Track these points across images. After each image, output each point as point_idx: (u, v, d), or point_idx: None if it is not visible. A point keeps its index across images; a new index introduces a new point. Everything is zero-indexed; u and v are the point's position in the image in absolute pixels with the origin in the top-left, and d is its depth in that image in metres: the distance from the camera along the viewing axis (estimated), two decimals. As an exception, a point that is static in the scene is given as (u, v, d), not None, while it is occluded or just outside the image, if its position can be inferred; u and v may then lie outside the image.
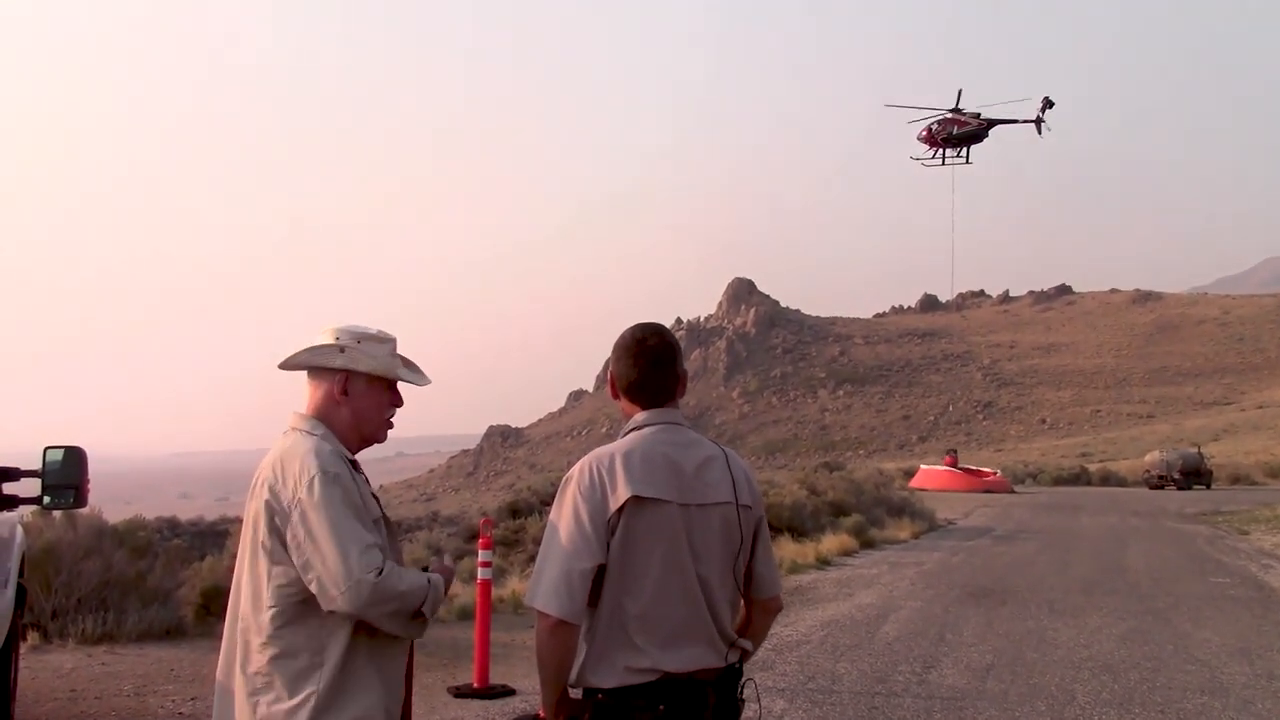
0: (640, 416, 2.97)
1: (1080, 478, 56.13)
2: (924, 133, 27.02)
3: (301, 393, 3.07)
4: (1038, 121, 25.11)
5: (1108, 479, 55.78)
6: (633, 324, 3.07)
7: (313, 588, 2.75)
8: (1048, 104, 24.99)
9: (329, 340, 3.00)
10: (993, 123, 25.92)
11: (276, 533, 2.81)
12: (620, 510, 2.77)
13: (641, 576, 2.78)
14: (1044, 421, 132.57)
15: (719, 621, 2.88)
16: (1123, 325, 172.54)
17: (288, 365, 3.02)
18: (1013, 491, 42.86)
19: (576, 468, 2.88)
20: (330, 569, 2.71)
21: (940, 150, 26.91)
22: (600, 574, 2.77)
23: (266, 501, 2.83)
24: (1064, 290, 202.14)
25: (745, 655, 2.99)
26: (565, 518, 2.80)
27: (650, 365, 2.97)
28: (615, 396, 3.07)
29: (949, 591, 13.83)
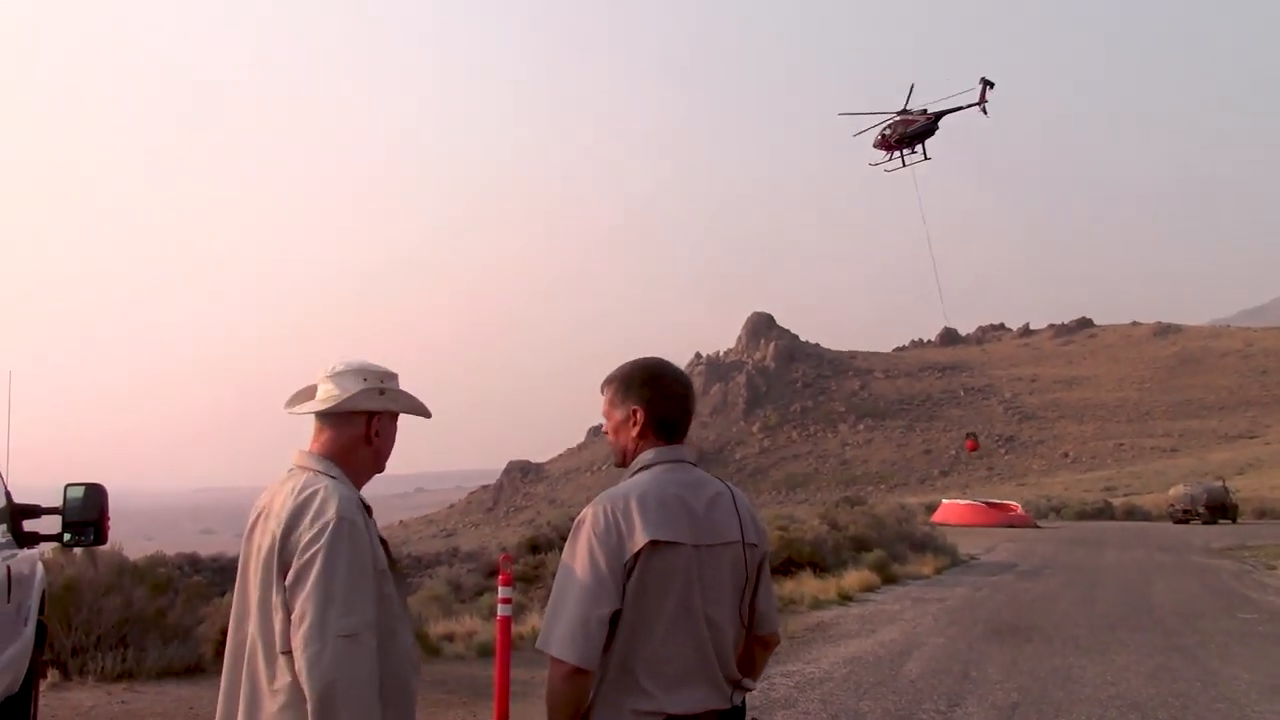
0: (648, 454, 2.92)
1: (1104, 512, 55.71)
2: (878, 139, 27.28)
3: (307, 431, 3.02)
4: (981, 104, 25.24)
5: (1132, 513, 55.36)
6: (638, 358, 3.03)
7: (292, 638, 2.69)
8: (987, 84, 25.07)
9: (352, 380, 2.96)
10: (940, 115, 26.15)
11: (284, 574, 2.75)
12: (637, 554, 2.73)
13: (654, 620, 2.75)
14: (1066, 455, 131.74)
15: (724, 662, 2.85)
16: (1145, 358, 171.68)
17: (339, 408, 2.94)
18: (1036, 526, 42.56)
19: (589, 511, 2.83)
20: (306, 621, 2.65)
21: (899, 153, 27.10)
22: (614, 618, 2.74)
23: (280, 540, 2.77)
24: (1085, 323, 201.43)
25: (745, 694, 2.95)
26: (580, 562, 2.75)
27: (675, 400, 2.95)
28: (625, 429, 2.96)
29: (973, 628, 13.69)
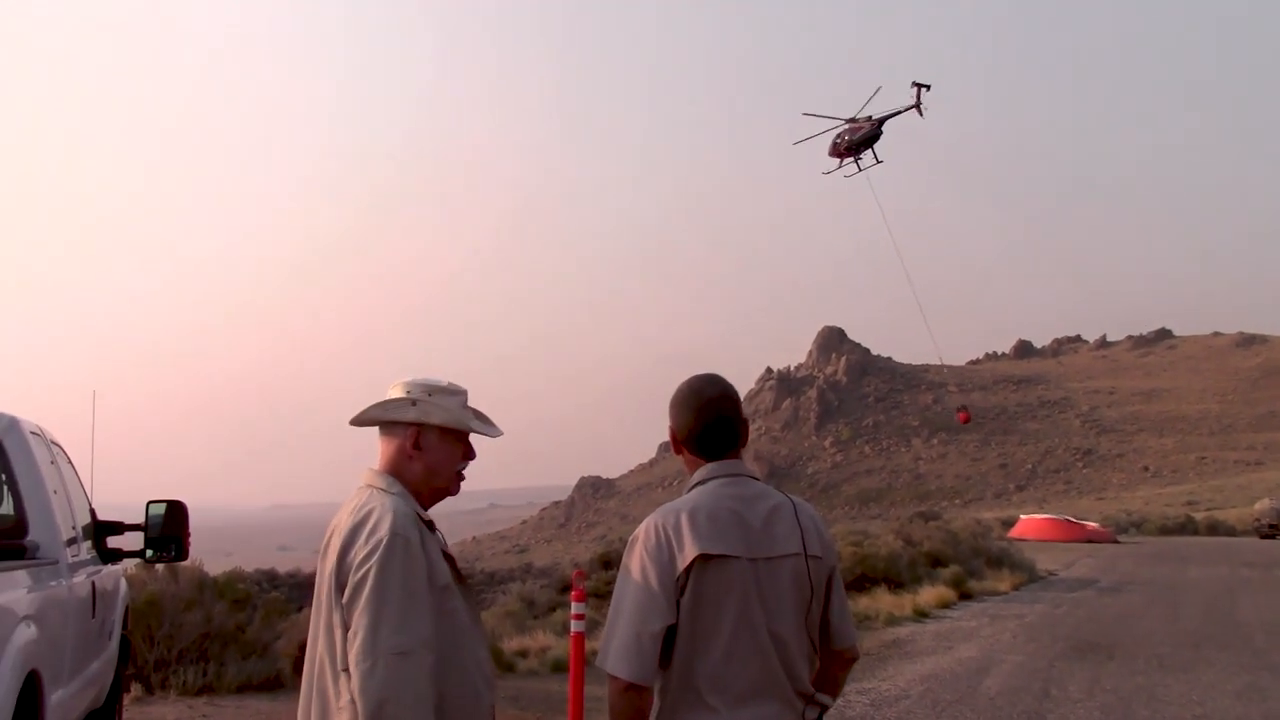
0: (703, 471, 2.92)
1: (1186, 527, 54.49)
2: (832, 146, 27.91)
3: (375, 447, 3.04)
4: (917, 107, 25.82)
5: (1215, 528, 54.04)
6: (689, 376, 3.02)
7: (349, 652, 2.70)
8: (922, 87, 25.67)
9: (400, 394, 2.97)
10: (882, 120, 26.74)
11: (342, 591, 2.75)
12: (688, 569, 2.71)
13: (712, 635, 2.73)
14: (1147, 469, 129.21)
15: (794, 678, 2.81)
16: (1227, 369, 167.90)
17: (359, 421, 2.99)
18: (1116, 541, 41.73)
19: (642, 527, 2.83)
20: (359, 638, 2.66)
21: (852, 159, 27.71)
22: (670, 633, 2.72)
23: (338, 558, 2.79)
24: (1164, 334, 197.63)
25: (824, 710, 2.91)
26: (633, 578, 2.76)
27: (710, 417, 2.93)
28: (678, 452, 3.01)
29: (1052, 645, 13.45)
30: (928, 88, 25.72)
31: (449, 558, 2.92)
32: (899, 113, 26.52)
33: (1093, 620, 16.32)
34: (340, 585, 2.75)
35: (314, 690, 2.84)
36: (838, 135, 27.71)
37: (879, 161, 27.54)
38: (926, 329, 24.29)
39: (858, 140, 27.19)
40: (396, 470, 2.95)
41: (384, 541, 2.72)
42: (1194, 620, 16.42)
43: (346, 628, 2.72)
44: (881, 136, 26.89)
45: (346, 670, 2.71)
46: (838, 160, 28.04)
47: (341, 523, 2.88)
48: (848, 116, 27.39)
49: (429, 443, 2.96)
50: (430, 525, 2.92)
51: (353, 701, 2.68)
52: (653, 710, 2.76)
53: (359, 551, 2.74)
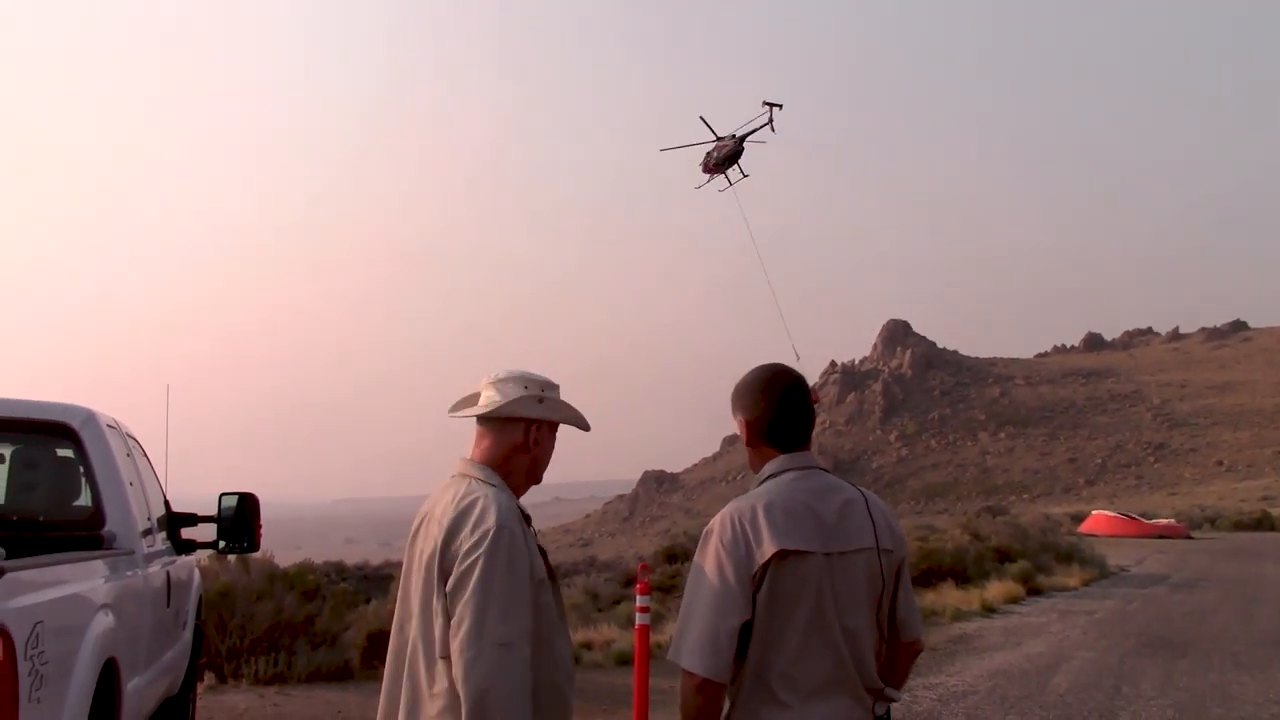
0: (774, 463, 2.88)
1: (1262, 523, 53.19)
2: (704, 162, 28.76)
3: (467, 439, 3.08)
4: (769, 124, 26.61)
5: (1293, 524, 52.82)
6: (755, 366, 2.99)
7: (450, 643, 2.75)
8: (773, 106, 26.58)
9: (516, 389, 3.01)
10: (743, 138, 27.53)
11: (445, 579, 2.80)
12: (766, 565, 2.69)
13: (786, 629, 2.71)
14: (1221, 464, 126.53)
15: (865, 673, 2.79)
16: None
17: (498, 413, 2.99)
18: (1189, 537, 40.96)
19: (716, 521, 2.80)
20: (464, 627, 2.71)
21: (721, 174, 28.56)
22: (745, 629, 2.70)
23: (441, 546, 2.83)
24: (1239, 326, 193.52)
25: (890, 705, 2.89)
26: (709, 573, 2.73)
27: (788, 406, 2.90)
28: (749, 443, 2.96)
29: (1123, 641, 13.24)
30: (779, 106, 27.03)
31: (542, 551, 2.97)
32: (754, 131, 27.81)
33: (1165, 617, 16.04)
34: (444, 573, 2.80)
35: (404, 676, 2.89)
36: (708, 153, 28.81)
37: (745, 176, 28.66)
38: (786, 334, 24.74)
39: (723, 157, 28.25)
40: (500, 462, 3.00)
41: (491, 532, 2.77)
42: (1270, 618, 16.07)
43: (448, 616, 2.77)
44: (744, 153, 27.99)
45: (445, 658, 2.76)
46: (708, 176, 29.20)
47: (438, 511, 2.93)
48: (717, 135, 28.55)
49: (541, 437, 3.04)
50: (528, 519, 2.97)
51: (449, 688, 2.74)
52: (725, 705, 2.74)
53: (465, 541, 2.79)
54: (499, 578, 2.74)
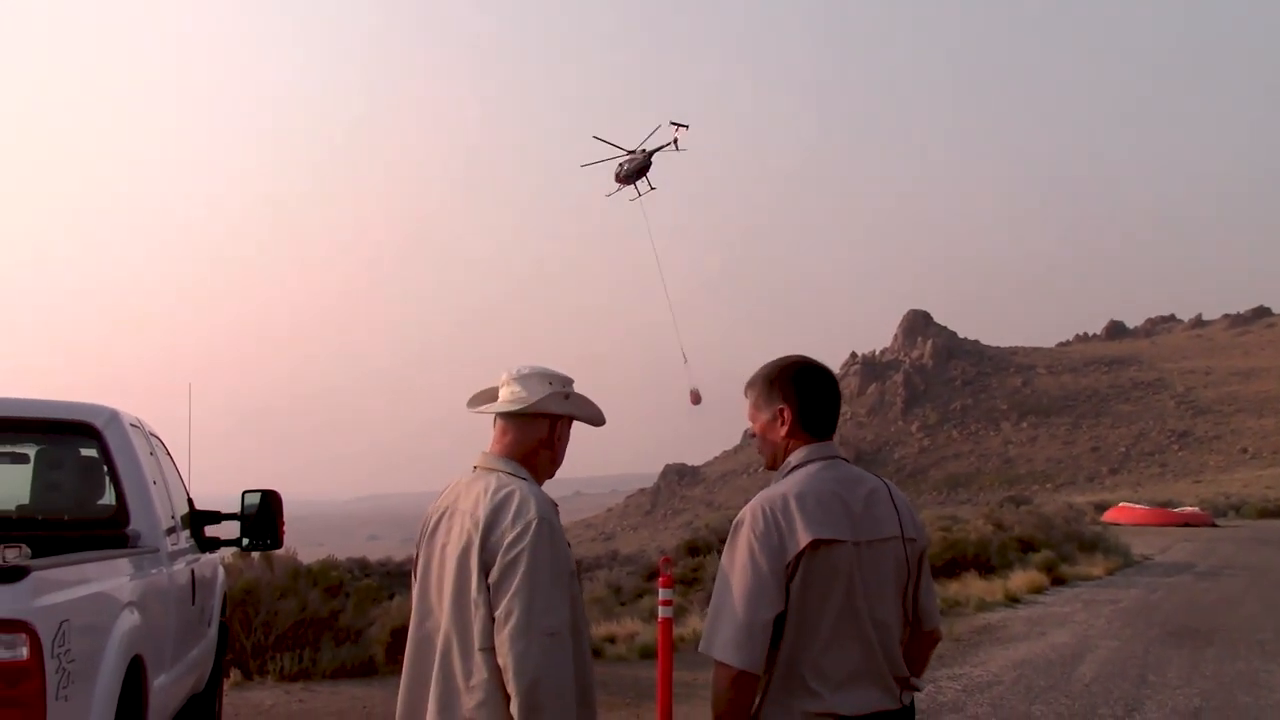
0: (799, 453, 2.87)
1: (1288, 510, 52.95)
2: (615, 174, 29.54)
3: (485, 434, 3.10)
4: (674, 143, 27.50)
5: (1319, 511, 52.44)
6: (778, 358, 2.99)
7: (496, 635, 2.77)
8: (679, 126, 27.45)
9: (541, 386, 3.03)
10: (651, 153, 28.43)
11: (485, 572, 2.81)
12: (800, 555, 2.68)
13: (818, 620, 2.71)
14: (1245, 451, 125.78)
15: (892, 662, 2.80)
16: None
17: (529, 409, 3.00)
18: (1214, 525, 40.71)
19: (748, 511, 2.78)
20: (513, 619, 2.73)
21: (632, 185, 29.35)
22: (778, 619, 2.70)
23: (477, 540, 2.83)
24: (1263, 312, 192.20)
25: (914, 694, 2.90)
26: (741, 565, 2.71)
27: (827, 395, 2.91)
28: (781, 432, 2.90)
29: (1149, 630, 13.17)
30: (686, 127, 27.67)
31: (567, 544, 2.99)
32: (662, 148, 28.78)
33: (1190, 605, 15.95)
34: (484, 566, 2.82)
35: (435, 670, 2.90)
36: (620, 164, 29.63)
37: (653, 188, 29.64)
38: (677, 339, 25.12)
39: (633, 170, 29.17)
40: (523, 456, 3.03)
41: (535, 524, 2.80)
42: (1297, 605, 15.96)
43: (490, 608, 2.79)
44: (651, 167, 28.86)
45: (484, 649, 2.78)
46: (619, 185, 30.06)
47: (465, 504, 2.94)
48: (629, 148, 29.48)
49: (562, 433, 3.09)
50: (556, 511, 2.99)
51: (488, 680, 2.76)
52: (756, 696, 2.73)
53: (507, 533, 2.81)
54: (545, 569, 2.77)
